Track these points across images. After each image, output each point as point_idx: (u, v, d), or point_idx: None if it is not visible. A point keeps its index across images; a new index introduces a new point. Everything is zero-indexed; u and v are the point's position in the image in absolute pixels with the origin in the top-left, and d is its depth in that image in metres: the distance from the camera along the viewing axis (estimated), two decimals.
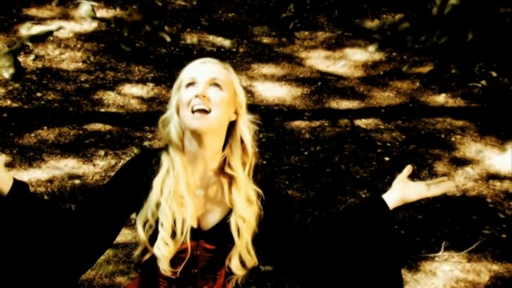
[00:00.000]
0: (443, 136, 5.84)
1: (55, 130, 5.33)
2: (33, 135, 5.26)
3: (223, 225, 1.93)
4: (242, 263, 1.98)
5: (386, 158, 5.35)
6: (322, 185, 4.88)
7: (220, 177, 1.94)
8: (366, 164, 5.23)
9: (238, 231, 1.91)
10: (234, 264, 1.96)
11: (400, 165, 5.26)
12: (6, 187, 1.82)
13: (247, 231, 1.93)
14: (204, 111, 1.84)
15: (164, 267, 1.91)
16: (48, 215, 1.84)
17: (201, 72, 1.88)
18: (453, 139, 5.82)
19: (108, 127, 5.43)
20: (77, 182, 4.71)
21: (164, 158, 1.91)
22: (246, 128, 1.93)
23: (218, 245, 1.94)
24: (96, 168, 4.91)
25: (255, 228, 1.96)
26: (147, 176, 1.90)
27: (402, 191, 2.06)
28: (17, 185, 1.84)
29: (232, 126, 1.93)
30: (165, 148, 1.95)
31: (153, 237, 1.90)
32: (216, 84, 1.87)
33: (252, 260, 1.98)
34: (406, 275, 3.99)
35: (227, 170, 1.92)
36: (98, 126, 5.43)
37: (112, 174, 4.84)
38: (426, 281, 3.96)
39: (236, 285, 2.05)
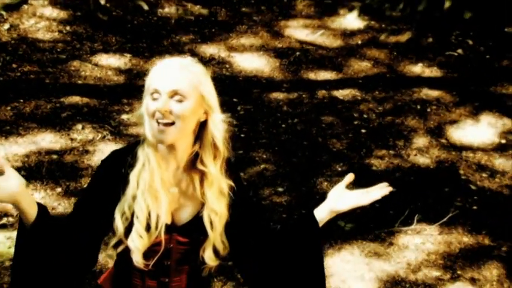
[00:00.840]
0: (419, 107, 5.88)
1: (31, 103, 5.27)
2: (9, 108, 5.20)
3: (197, 219, 1.96)
4: (216, 252, 2.01)
5: (363, 130, 5.39)
6: (299, 158, 4.92)
7: (191, 173, 1.96)
8: (342, 137, 5.26)
9: (211, 224, 1.94)
10: (208, 255, 1.99)
11: (376, 137, 5.32)
12: (33, 213, 1.85)
13: (220, 222, 1.96)
14: (168, 124, 1.84)
15: (137, 259, 1.94)
16: (57, 230, 1.89)
17: (162, 83, 1.85)
18: (429, 110, 5.86)
19: (85, 100, 5.38)
20: (54, 157, 4.69)
21: (140, 153, 1.93)
22: (217, 129, 1.92)
23: (191, 238, 1.97)
24: (74, 142, 4.88)
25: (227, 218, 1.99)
26: (123, 171, 1.92)
27: (334, 202, 2.09)
28: (40, 209, 1.88)
29: (203, 124, 1.93)
30: (141, 142, 1.96)
31: (128, 230, 1.92)
32: (178, 95, 1.85)
33: (225, 249, 2.01)
34: (379, 248, 4.07)
35: (199, 165, 1.93)
36: (75, 99, 5.38)
37: (89, 148, 4.84)
38: (398, 254, 4.05)
39: (209, 274, 2.09)
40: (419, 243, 4.16)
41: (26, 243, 1.88)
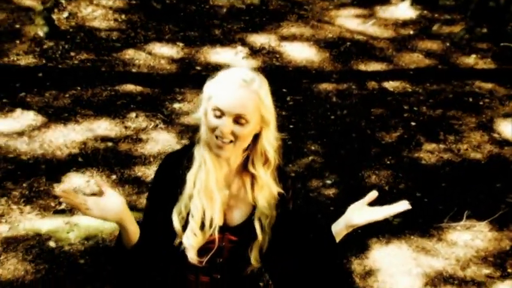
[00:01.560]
0: (471, 100, 5.76)
1: (88, 91, 5.40)
2: (67, 95, 5.34)
3: (248, 221, 2.00)
4: (261, 253, 2.03)
5: (413, 123, 5.32)
6: (348, 150, 4.90)
7: (243, 176, 2.00)
8: (392, 129, 5.21)
9: (262, 226, 1.98)
10: (253, 256, 2.02)
11: (426, 131, 5.24)
12: (135, 231, 1.96)
13: (269, 226, 1.99)
14: (227, 142, 1.88)
15: (192, 256, 1.99)
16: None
17: (228, 106, 1.84)
18: (481, 103, 5.74)
19: (139, 88, 5.48)
20: (110, 144, 4.81)
21: (196, 154, 1.97)
22: (269, 143, 1.94)
23: (242, 238, 2.00)
24: (128, 130, 4.99)
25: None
26: (180, 173, 1.97)
27: (351, 216, 2.06)
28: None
29: (257, 136, 1.94)
30: (197, 142, 1.99)
31: (183, 229, 1.97)
32: (242, 119, 1.86)
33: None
34: (427, 243, 4.03)
35: (250, 168, 1.97)
36: (129, 87, 5.48)
37: (142, 137, 4.93)
38: (447, 250, 4.00)
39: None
40: (469, 239, 4.10)
41: (129, 261, 1.99)
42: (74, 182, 4.38)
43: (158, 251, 2.00)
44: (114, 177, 4.47)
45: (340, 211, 4.26)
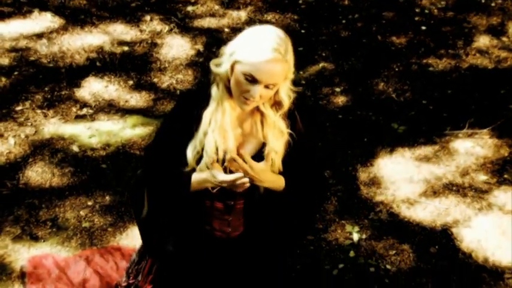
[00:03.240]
0: (483, 1, 5.59)
1: None
2: None
3: (258, 155, 2.08)
4: None
5: (423, 27, 5.21)
6: (358, 57, 4.86)
7: (254, 114, 2.06)
8: (402, 34, 5.12)
9: (272, 160, 2.06)
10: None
11: (436, 35, 5.15)
12: None
13: (278, 158, 2.08)
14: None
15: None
16: None
17: (263, 76, 1.88)
18: (493, 4, 5.57)
19: None
20: (126, 48, 4.79)
21: (214, 94, 2.01)
22: (286, 96, 2.00)
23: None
24: (143, 34, 4.95)
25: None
26: (197, 110, 2.03)
27: None
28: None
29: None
30: (212, 81, 2.03)
31: (198, 162, 2.06)
32: (271, 85, 1.91)
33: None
34: (430, 151, 4.11)
35: (261, 107, 2.03)
36: None
37: (157, 41, 4.90)
38: (448, 157, 4.08)
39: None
40: (470, 147, 4.17)
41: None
42: (93, 88, 4.43)
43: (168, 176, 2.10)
44: (131, 82, 4.50)
45: (348, 119, 4.33)
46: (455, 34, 5.20)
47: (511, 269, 3.38)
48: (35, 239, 3.35)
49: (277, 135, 2.04)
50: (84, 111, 4.24)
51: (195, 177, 2.07)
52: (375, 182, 3.85)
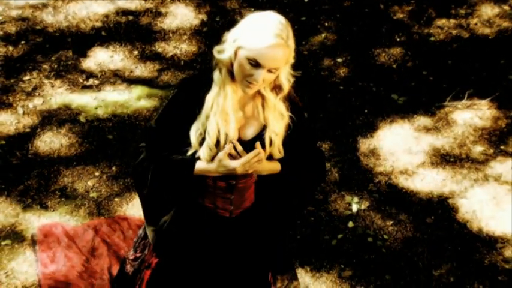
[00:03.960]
0: None
1: None
2: None
3: (259, 137, 2.11)
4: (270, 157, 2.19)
5: None
6: (360, 27, 4.81)
7: (256, 98, 2.09)
8: (404, 3, 5.05)
9: (271, 141, 2.11)
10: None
11: (438, 3, 5.08)
12: None
13: (279, 139, 2.12)
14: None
15: None
16: None
17: (266, 61, 1.91)
18: None
19: None
20: (131, 18, 4.75)
21: (216, 78, 2.04)
22: (285, 79, 2.02)
23: (252, 149, 2.12)
24: (147, 3, 4.89)
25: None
26: (201, 94, 2.06)
27: None
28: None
29: None
30: (214, 67, 2.05)
31: (201, 144, 2.10)
32: (274, 69, 1.94)
33: (279, 155, 2.17)
34: (429, 122, 4.11)
35: (262, 91, 2.05)
36: None
37: (162, 10, 4.85)
38: (447, 128, 4.09)
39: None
40: (468, 118, 4.17)
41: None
42: (99, 57, 4.42)
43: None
44: (136, 53, 4.49)
45: (349, 90, 4.32)
46: (457, 3, 5.12)
47: (503, 239, 3.44)
48: (45, 208, 3.40)
49: (277, 118, 2.08)
50: (91, 81, 4.24)
51: (200, 166, 2.11)
52: (374, 153, 3.87)
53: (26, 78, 4.23)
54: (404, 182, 3.71)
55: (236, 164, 2.06)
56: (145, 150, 2.23)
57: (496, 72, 4.54)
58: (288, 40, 1.93)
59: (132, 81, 4.26)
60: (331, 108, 4.14)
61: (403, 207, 3.55)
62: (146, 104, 4.08)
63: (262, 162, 2.10)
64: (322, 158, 2.40)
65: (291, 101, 2.12)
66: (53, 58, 4.40)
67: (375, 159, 3.83)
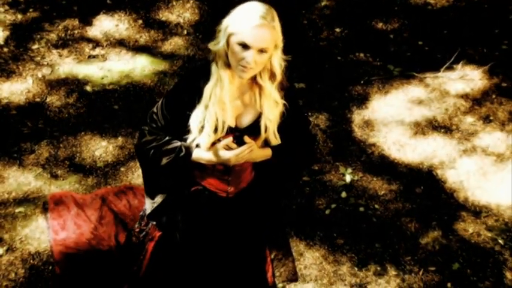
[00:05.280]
0: None
1: None
2: None
3: (255, 124, 2.20)
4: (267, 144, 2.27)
5: None
6: None
7: (252, 87, 2.16)
8: None
9: (266, 128, 2.19)
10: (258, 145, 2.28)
11: None
12: None
13: (273, 125, 2.20)
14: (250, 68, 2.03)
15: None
16: None
17: (254, 41, 1.99)
18: None
19: None
20: None
21: (214, 70, 2.11)
22: (278, 64, 2.09)
23: (249, 136, 2.21)
24: None
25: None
26: (200, 85, 2.14)
27: None
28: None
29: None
30: (212, 60, 2.11)
31: (200, 131, 2.18)
32: (263, 50, 2.01)
33: (276, 141, 2.24)
34: (422, 93, 4.11)
35: (259, 80, 2.12)
36: None
37: None
38: (439, 99, 4.08)
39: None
40: (460, 88, 4.16)
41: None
42: (105, 26, 4.38)
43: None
44: (140, 21, 4.44)
45: (347, 61, 4.29)
46: None
47: (487, 208, 3.50)
48: (55, 177, 3.47)
49: (272, 106, 2.16)
50: (97, 51, 4.22)
51: (197, 154, 2.20)
52: (369, 125, 3.89)
53: (35, 47, 4.21)
54: (396, 153, 3.74)
55: (230, 155, 2.17)
56: (147, 133, 2.29)
57: (489, 42, 4.49)
58: (272, 21, 2.02)
59: (137, 50, 4.24)
60: (328, 80, 4.14)
61: (394, 178, 3.60)
62: (150, 74, 4.07)
63: (254, 151, 2.21)
64: (313, 142, 2.46)
65: (286, 90, 2.19)
66: (60, 27, 4.36)
67: (369, 131, 3.85)
